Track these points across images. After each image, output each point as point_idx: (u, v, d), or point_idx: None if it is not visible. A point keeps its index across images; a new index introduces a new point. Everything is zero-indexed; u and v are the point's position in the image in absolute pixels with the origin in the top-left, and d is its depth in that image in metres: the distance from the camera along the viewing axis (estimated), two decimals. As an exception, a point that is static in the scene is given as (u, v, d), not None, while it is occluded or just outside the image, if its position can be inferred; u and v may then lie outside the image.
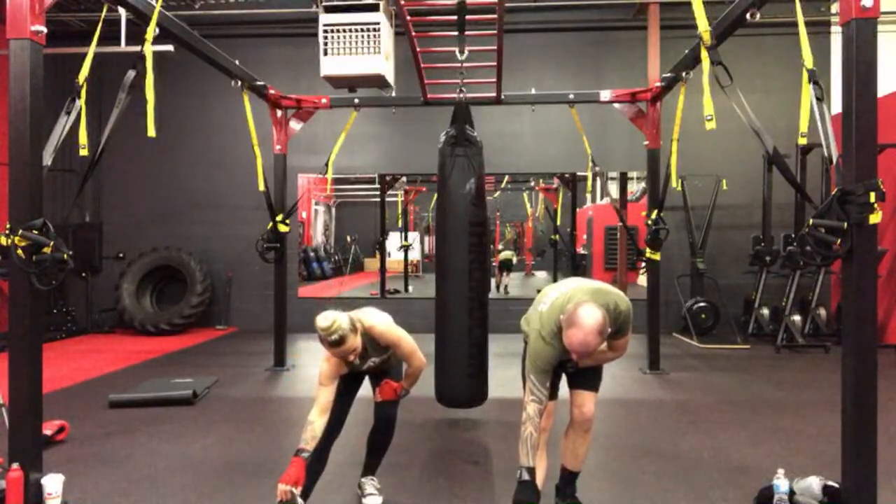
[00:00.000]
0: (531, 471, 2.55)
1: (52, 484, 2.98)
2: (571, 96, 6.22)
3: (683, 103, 5.29)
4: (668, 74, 5.54)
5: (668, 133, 5.58)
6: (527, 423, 2.58)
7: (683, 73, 5.20)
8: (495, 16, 4.64)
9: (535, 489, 2.57)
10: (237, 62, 5.43)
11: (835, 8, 8.17)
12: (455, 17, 4.47)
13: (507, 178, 12.10)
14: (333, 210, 17.41)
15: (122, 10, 4.36)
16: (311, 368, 5.68)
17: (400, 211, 13.83)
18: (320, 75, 4.89)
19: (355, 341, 2.75)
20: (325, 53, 4.79)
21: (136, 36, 4.09)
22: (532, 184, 13.82)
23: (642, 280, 8.94)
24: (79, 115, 3.33)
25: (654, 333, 6.27)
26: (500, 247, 14.38)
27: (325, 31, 4.77)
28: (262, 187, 5.94)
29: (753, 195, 8.23)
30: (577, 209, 11.89)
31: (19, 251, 2.94)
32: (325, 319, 2.67)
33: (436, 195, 4.57)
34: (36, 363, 3.08)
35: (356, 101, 6.23)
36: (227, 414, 4.83)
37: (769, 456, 3.80)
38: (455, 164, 4.25)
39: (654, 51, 7.81)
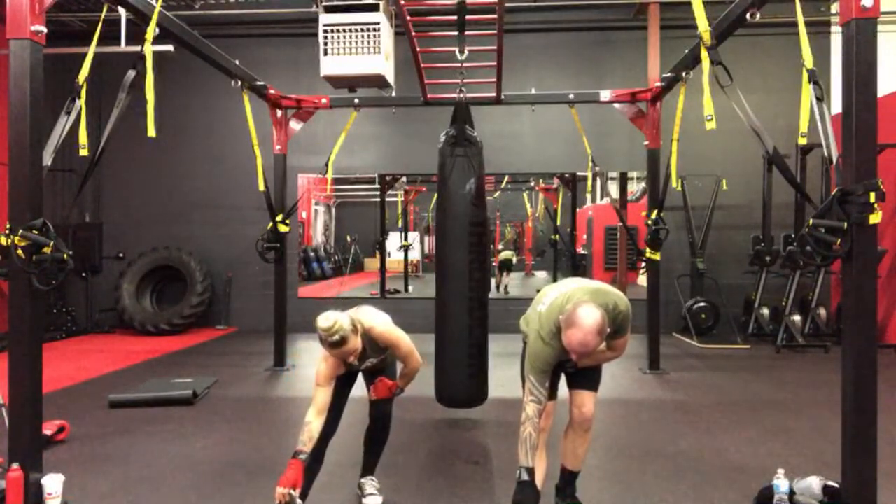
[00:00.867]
0: (530, 471, 2.55)
1: (52, 484, 2.98)
2: (571, 96, 6.22)
3: (683, 103, 5.29)
4: (668, 74, 5.54)
5: (668, 133, 5.58)
6: (526, 423, 2.58)
7: (683, 73, 5.20)
8: (495, 16, 4.64)
9: (535, 489, 2.57)
10: (237, 62, 5.43)
11: (835, 8, 8.17)
12: (455, 17, 4.47)
13: (507, 178, 12.10)
14: (333, 210, 17.41)
15: (122, 10, 4.35)
16: (311, 368, 5.66)
17: (400, 211, 13.83)
18: (320, 75, 4.89)
19: (356, 342, 2.74)
20: (325, 53, 4.79)
21: (136, 36, 4.09)
22: (532, 184, 13.82)
23: (642, 280, 8.94)
24: (79, 115, 3.33)
25: (654, 333, 6.26)
26: (500, 247, 14.39)
27: (325, 31, 4.77)
28: (262, 187, 5.94)
29: (753, 195, 8.23)
30: (577, 209, 11.89)
31: (19, 251, 2.93)
32: (326, 320, 2.66)
33: (436, 195, 4.57)
34: (36, 363, 3.08)
35: (356, 101, 6.23)
36: (227, 414, 4.82)
37: (769, 456, 3.80)
38: (455, 164, 4.25)
39: (654, 51, 7.82)
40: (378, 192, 11.34)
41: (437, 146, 4.43)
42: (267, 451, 3.96)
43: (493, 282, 11.94)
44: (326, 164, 6.41)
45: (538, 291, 2.95)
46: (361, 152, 9.06)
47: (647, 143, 6.20)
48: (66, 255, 3.05)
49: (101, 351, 7.56)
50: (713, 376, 6.10)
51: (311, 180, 9.76)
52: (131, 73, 3.65)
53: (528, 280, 15.00)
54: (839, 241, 2.73)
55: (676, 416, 4.71)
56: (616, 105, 6.32)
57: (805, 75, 3.05)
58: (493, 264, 12.22)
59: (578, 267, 11.50)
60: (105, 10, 3.93)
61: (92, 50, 3.47)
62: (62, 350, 7.56)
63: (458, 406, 4.40)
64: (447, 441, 4.17)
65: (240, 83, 5.58)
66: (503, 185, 13.65)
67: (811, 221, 2.85)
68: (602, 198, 13.68)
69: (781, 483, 2.98)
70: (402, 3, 4.59)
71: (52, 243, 2.99)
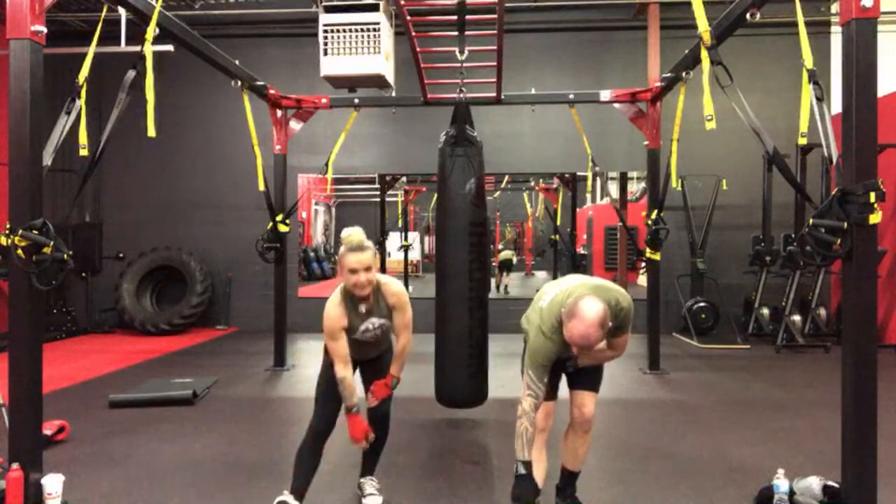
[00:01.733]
0: (528, 464, 2.55)
1: (52, 484, 2.97)
2: (571, 96, 6.22)
3: (683, 103, 5.28)
4: (668, 74, 5.54)
5: (668, 133, 5.57)
6: (522, 417, 2.58)
7: (683, 73, 5.19)
8: (495, 16, 4.64)
9: (533, 482, 2.56)
10: (237, 62, 5.43)
11: (835, 8, 8.18)
12: (455, 17, 4.47)
13: (507, 178, 12.08)
14: (333, 210, 17.41)
15: (122, 10, 4.36)
16: (312, 368, 5.68)
17: (400, 211, 13.82)
18: (320, 75, 4.89)
19: (372, 273, 2.79)
20: (325, 53, 4.80)
21: (136, 36, 4.09)
22: (532, 184, 13.80)
23: (642, 280, 8.95)
24: (79, 115, 3.33)
25: (654, 333, 6.26)
26: (500, 247, 14.38)
27: (325, 31, 4.77)
28: (262, 187, 5.94)
29: (753, 195, 8.22)
30: (577, 209, 11.89)
31: (19, 251, 2.93)
32: (350, 229, 2.79)
33: (436, 195, 4.57)
34: (36, 363, 3.08)
35: (356, 101, 6.24)
36: (227, 414, 4.82)
37: (769, 456, 3.80)
38: (455, 164, 4.25)
39: (654, 51, 7.82)
40: (378, 192, 11.34)
41: (437, 146, 4.43)
42: (267, 450, 3.96)
43: (493, 282, 11.94)
44: (326, 164, 6.40)
45: (538, 291, 2.94)
46: (361, 152, 9.06)
47: (647, 143, 6.20)
48: (66, 255, 3.05)
49: (101, 351, 7.56)
50: (713, 376, 6.10)
51: (310, 180, 9.76)
52: (131, 73, 3.65)
53: (528, 280, 15.00)
54: (839, 241, 2.73)
55: (676, 417, 4.71)
56: (616, 105, 6.32)
57: (805, 75, 3.05)
58: (493, 264, 12.21)
59: (578, 267, 11.50)
60: (105, 10, 3.94)
61: (92, 50, 3.47)
62: (62, 350, 7.56)
63: (459, 406, 4.39)
64: (447, 441, 4.17)
65: (240, 83, 5.58)
66: (503, 185, 13.63)
67: (811, 221, 2.85)
68: (602, 198, 13.69)
69: (781, 483, 2.98)
70: (402, 3, 4.59)
71: (52, 243, 2.98)
